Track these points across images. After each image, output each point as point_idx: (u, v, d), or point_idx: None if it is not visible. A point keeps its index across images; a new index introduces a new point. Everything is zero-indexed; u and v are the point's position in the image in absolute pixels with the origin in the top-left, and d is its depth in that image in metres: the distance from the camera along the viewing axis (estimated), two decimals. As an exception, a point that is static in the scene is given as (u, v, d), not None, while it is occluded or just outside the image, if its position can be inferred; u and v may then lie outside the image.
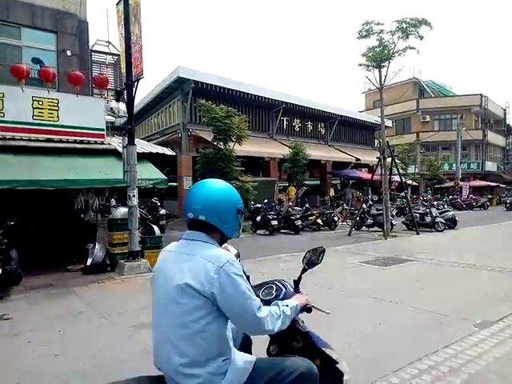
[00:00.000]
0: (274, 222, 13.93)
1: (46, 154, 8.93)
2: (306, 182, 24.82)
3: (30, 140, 9.04)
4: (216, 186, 1.80)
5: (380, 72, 12.54)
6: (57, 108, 9.40)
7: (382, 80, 12.63)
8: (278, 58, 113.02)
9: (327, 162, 25.49)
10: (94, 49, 33.14)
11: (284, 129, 23.60)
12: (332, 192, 25.83)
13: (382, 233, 12.49)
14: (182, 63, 65.94)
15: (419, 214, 14.36)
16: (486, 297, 5.36)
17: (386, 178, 12.83)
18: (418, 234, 12.89)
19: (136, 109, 24.62)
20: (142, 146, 11.27)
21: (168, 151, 11.43)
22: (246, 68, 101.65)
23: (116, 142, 11.38)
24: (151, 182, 9.47)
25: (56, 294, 6.08)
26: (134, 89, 7.78)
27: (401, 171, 29.77)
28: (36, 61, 10.37)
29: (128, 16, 7.55)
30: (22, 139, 8.96)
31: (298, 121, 24.40)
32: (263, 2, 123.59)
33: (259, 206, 14.97)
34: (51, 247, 9.15)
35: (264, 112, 22.41)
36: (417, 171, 32.22)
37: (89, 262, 7.79)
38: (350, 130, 28.90)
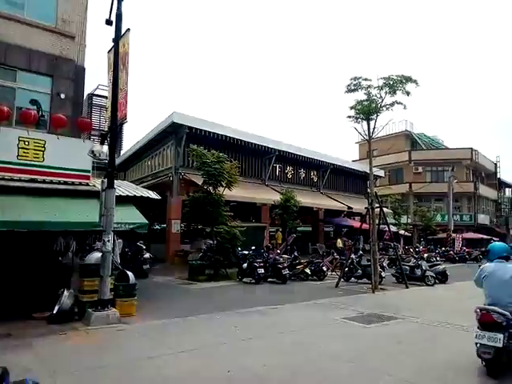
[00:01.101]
0: (261, 271, 13.49)
1: (25, 195, 8.76)
2: (298, 229, 24.68)
3: (11, 180, 8.92)
4: None
5: (368, 124, 12.75)
6: (43, 149, 9.36)
7: (371, 132, 12.79)
8: (272, 106, 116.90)
9: (319, 209, 25.45)
10: (95, 93, 33.99)
11: (277, 175, 23.77)
12: (340, 243, 23.15)
13: (370, 285, 12.08)
14: (177, 108, 68.01)
15: (409, 266, 14.02)
16: (471, 365, 4.94)
17: (374, 228, 12.64)
18: (407, 287, 12.48)
19: (130, 152, 25.00)
20: (128, 188, 11.14)
21: (153, 195, 11.27)
22: (241, 115, 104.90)
23: (100, 184, 11.30)
24: (131, 226, 9.22)
25: (9, 346, 5.62)
26: (118, 133, 7.81)
27: (393, 221, 30.03)
28: (33, 102, 10.48)
29: (117, 64, 7.72)
30: (3, 178, 8.85)
31: (291, 168, 24.64)
32: (260, 51, 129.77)
33: (246, 252, 14.62)
34: (22, 291, 8.70)
35: (257, 158, 22.67)
36: (409, 221, 32.13)
37: (55, 309, 7.35)
38: (342, 179, 29.16)
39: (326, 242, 26.27)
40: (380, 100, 11.90)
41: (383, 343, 6.00)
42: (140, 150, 23.06)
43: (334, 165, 26.39)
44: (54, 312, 7.31)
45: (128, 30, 7.51)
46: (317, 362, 4.98)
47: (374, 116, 12.44)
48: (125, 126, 31.32)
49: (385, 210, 30.47)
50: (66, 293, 7.59)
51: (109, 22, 8.15)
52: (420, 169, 38.84)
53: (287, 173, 24.50)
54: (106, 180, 7.74)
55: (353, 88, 11.88)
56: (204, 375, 4.52)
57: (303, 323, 7.25)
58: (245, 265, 14.06)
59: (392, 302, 9.81)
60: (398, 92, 11.56)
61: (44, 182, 9.35)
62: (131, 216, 9.69)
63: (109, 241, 7.50)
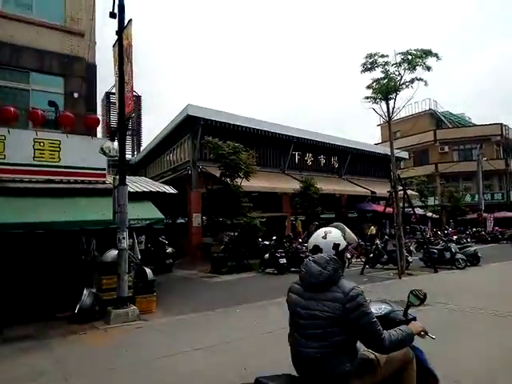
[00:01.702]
0: (283, 261, 13.27)
1: (43, 196, 8.82)
2: (322, 216, 24.21)
3: (30, 181, 9.01)
4: None
5: (388, 104, 12.17)
6: (58, 149, 9.38)
7: (391, 112, 12.21)
8: (286, 92, 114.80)
9: (342, 195, 24.89)
10: (112, 91, 34.25)
11: (296, 163, 23.34)
12: (373, 230, 21.78)
13: (396, 271, 11.65)
14: (193, 100, 68.03)
15: (437, 249, 13.44)
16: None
17: (398, 212, 12.14)
18: (436, 272, 11.96)
19: (149, 148, 25.12)
20: (144, 184, 11.11)
21: (170, 189, 11.19)
22: (256, 104, 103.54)
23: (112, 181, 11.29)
24: (147, 222, 9.16)
25: (29, 347, 5.63)
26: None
27: (420, 203, 29.08)
28: (51, 104, 10.52)
29: (122, 57, 7.56)
30: (22, 181, 8.94)
31: (310, 155, 24.13)
32: (270, 33, 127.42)
33: (267, 243, 14.40)
34: (47, 291, 8.82)
35: (275, 147, 22.30)
36: (437, 203, 31.05)
37: (76, 308, 7.37)
38: (364, 163, 28.40)
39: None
40: (399, 77, 11.30)
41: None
42: (158, 145, 23.12)
43: (354, 149, 25.70)
44: (75, 311, 7.34)
45: (130, 20, 7.31)
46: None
47: (393, 95, 11.85)
48: (143, 122, 31.60)
49: (410, 192, 29.76)
50: (85, 292, 7.61)
51: (113, 15, 7.97)
52: (446, 148, 37.33)
53: (307, 160, 24.02)
54: (117, 177, 7.64)
55: (369, 66, 11.31)
56: (218, 373, 4.34)
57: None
58: (266, 255, 13.88)
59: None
60: (417, 68, 10.93)
61: (61, 182, 9.41)
62: (148, 212, 9.63)
63: (124, 238, 7.43)
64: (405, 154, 32.08)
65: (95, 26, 11.59)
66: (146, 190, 10.42)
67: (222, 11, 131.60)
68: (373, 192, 24.61)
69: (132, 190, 10.18)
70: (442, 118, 41.37)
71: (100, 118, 10.97)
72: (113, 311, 7.10)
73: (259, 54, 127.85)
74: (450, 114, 43.83)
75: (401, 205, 12.93)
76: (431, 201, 29.60)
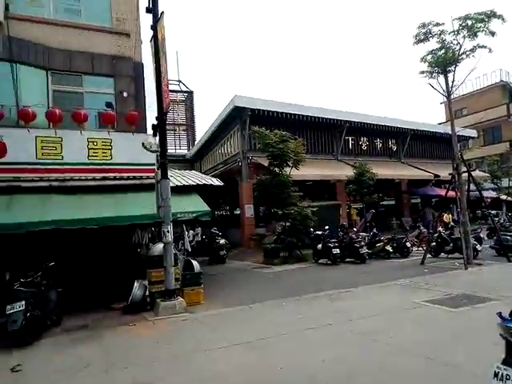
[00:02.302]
0: (336, 251, 12.78)
1: (95, 192, 9.26)
2: (381, 203, 22.99)
3: (86, 179, 9.51)
4: None
5: (446, 78, 11.05)
6: (110, 147, 9.77)
7: (450, 87, 11.07)
8: (335, 76, 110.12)
9: (401, 180, 23.47)
10: (165, 89, 34.74)
11: (350, 149, 22.40)
12: (448, 218, 20.26)
13: (462, 261, 10.64)
14: (240, 91, 67.89)
15: (511, 236, 12.08)
16: None
17: (462, 196, 11.06)
18: (509, 261, 10.74)
19: (201, 142, 25.60)
20: (192, 177, 11.24)
21: (216, 182, 11.23)
22: (303, 90, 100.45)
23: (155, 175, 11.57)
24: (194, 215, 9.24)
25: (82, 338, 5.92)
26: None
27: (492, 186, 26.51)
28: (109, 105, 11.00)
29: (158, 51, 7.60)
30: (79, 179, 9.46)
31: (365, 139, 23.01)
32: (323, 24, 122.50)
33: (319, 233, 13.96)
34: (105, 283, 9.30)
35: (327, 133, 21.56)
36: (512, 185, 28.09)
37: (129, 300, 7.67)
38: (426, 145, 26.51)
39: (412, 214, 24.28)
40: (457, 47, 10.16)
41: (472, 331, 5.05)
42: (210, 138, 23.45)
43: (414, 130, 23.97)
44: (128, 303, 7.63)
45: (162, 13, 7.29)
46: (385, 357, 4.30)
47: (453, 67, 10.71)
48: (196, 117, 32.30)
49: (481, 173, 27.26)
50: (136, 284, 7.88)
51: (149, 10, 8.03)
52: (522, 123, 33.64)
53: (361, 145, 22.93)
54: (159, 171, 7.75)
55: (422, 38, 10.28)
56: (253, 371, 4.17)
57: (376, 308, 6.51)
58: (319, 246, 13.48)
59: (488, 280, 8.47)
60: (479, 34, 9.72)
61: (115, 178, 9.81)
62: (195, 205, 9.73)
63: (168, 231, 7.53)
64: (473, 133, 29.42)
65: (140, 25, 11.89)
66: (192, 183, 10.53)
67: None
68: (436, 175, 22.89)
69: (179, 184, 10.38)
70: (517, 89, 37.20)
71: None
72: (161, 303, 7.25)
73: (305, 40, 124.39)
74: (526, 84, 39.27)
75: (467, 187, 11.77)
76: (505, 182, 26.83)
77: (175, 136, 30.93)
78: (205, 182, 10.89)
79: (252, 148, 18.91)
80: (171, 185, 10.26)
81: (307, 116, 19.51)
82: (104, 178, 9.68)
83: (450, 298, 6.94)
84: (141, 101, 11.79)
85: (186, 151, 30.47)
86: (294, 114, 19.02)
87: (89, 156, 9.57)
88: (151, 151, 7.93)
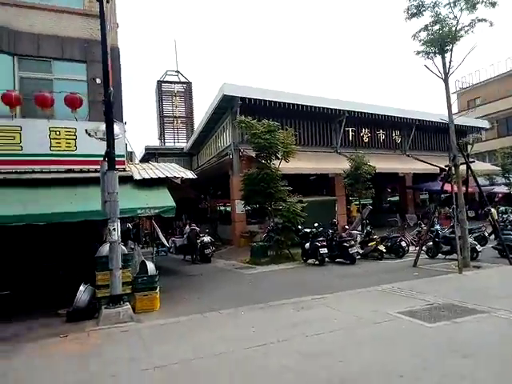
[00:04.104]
0: (323, 251, 11.83)
1: (56, 186, 8.59)
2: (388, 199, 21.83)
3: (50, 172, 8.86)
4: None
5: (443, 58, 9.90)
6: (74, 137, 9.08)
7: (447, 68, 9.93)
8: (338, 63, 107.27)
9: (406, 174, 22.24)
10: (165, 79, 34.58)
11: (350, 140, 21.26)
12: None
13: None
14: (232, 80, 66.17)
15: (515, 236, 10.90)
16: None
17: (460, 191, 9.97)
18: (511, 263, 9.62)
19: (195, 135, 24.74)
20: (164, 170, 10.44)
21: (189, 174, 10.36)
22: (299, 79, 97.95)
23: (139, 169, 10.77)
24: (157, 211, 8.44)
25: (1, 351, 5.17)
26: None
27: (503, 180, 24.97)
28: None
29: (103, 13, 6.86)
30: (42, 171, 8.81)
31: (367, 130, 21.82)
32: (316, 13, 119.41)
33: (308, 230, 12.99)
34: (57, 285, 8.61)
35: (325, 124, 20.49)
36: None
37: (72, 306, 6.91)
38: (433, 137, 25.13)
39: (418, 211, 23.03)
40: (454, 21, 9.02)
41: (442, 355, 4.08)
42: (203, 130, 22.55)
43: (420, 121, 22.62)
44: (70, 309, 6.88)
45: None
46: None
47: (450, 46, 9.57)
48: (195, 109, 31.48)
49: (492, 167, 25.73)
50: (81, 288, 7.11)
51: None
52: (539, 114, 31.79)
53: (363, 136, 21.73)
54: (106, 162, 6.92)
55: (414, 11, 9.15)
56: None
57: (341, 321, 5.59)
58: (307, 245, 12.52)
59: (481, 287, 7.44)
60: (478, 6, 8.57)
61: (81, 171, 9.14)
62: (159, 200, 8.92)
63: (114, 229, 6.73)
64: (485, 124, 27.86)
65: (115, 7, 11.08)
66: (155, 176, 9.68)
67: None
68: (442, 169, 21.52)
69: (146, 177, 9.59)
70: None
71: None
72: (104, 311, 6.47)
73: (300, 29, 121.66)
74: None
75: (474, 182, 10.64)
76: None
77: (174, 129, 30.23)
78: (175, 175, 10.07)
79: (244, 140, 17.99)
80: (138, 177, 9.57)
81: (304, 105, 18.43)
82: (69, 171, 9.05)
83: (430, 308, 5.96)
84: (117, 88, 11.03)
85: (184, 144, 29.73)
86: (289, 104, 17.96)
87: (51, 147, 8.93)
88: (97, 139, 7.11)
